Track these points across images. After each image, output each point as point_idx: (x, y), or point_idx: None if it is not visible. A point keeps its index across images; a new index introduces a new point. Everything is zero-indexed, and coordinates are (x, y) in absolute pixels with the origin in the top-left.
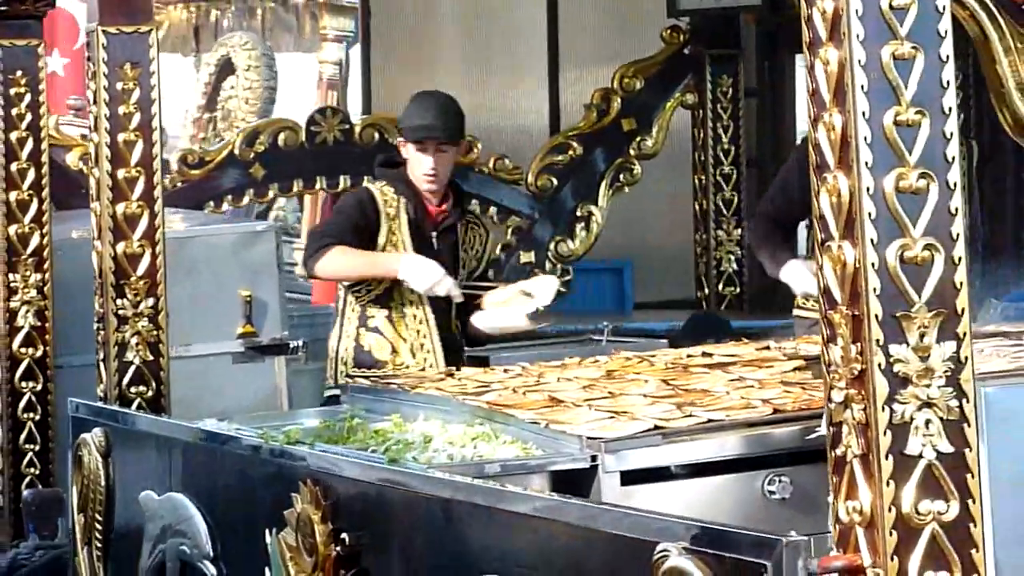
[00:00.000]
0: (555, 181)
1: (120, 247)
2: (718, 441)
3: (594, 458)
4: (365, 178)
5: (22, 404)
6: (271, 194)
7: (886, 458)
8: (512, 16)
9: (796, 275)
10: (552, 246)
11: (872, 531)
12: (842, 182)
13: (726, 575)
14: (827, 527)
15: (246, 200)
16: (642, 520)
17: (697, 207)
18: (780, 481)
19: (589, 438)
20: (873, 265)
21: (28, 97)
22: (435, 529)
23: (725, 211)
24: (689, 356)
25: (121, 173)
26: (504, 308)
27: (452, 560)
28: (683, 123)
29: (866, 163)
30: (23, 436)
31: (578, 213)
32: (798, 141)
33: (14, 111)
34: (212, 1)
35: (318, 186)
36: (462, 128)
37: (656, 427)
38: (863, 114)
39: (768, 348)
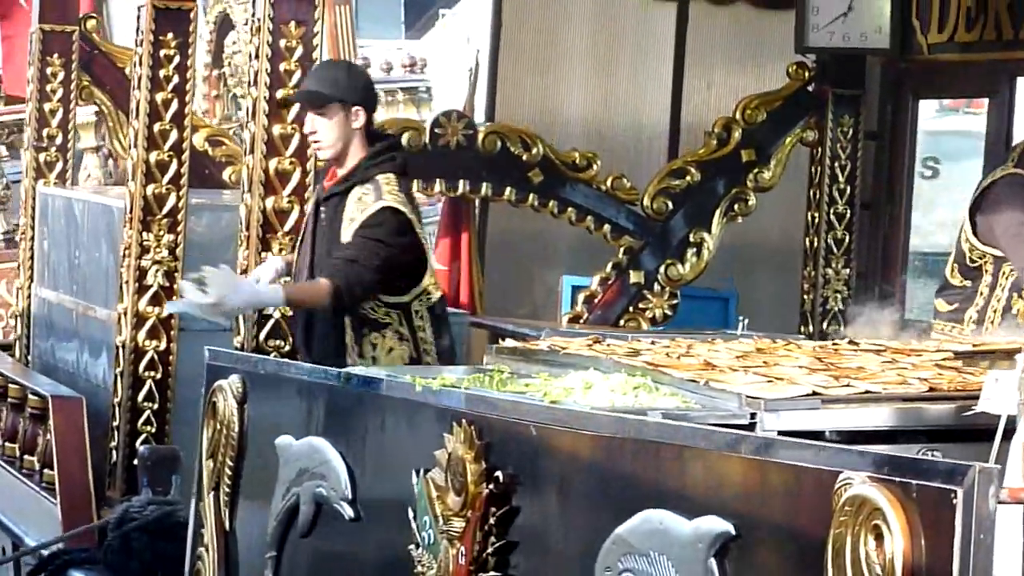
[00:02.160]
0: (670, 205)
1: (270, 202)
2: (874, 411)
3: (753, 416)
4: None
5: (144, 362)
6: None
7: None
8: (641, 30)
9: None
10: (662, 269)
11: None
12: None
13: (913, 502)
14: None
15: None
16: (824, 449)
17: (808, 243)
18: (933, 455)
19: (749, 397)
20: None
21: (177, 59)
22: (597, 466)
23: (835, 250)
24: (836, 343)
25: (277, 130)
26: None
27: (613, 497)
28: (801, 159)
29: None
30: (142, 394)
31: (690, 239)
32: (917, 182)
33: (162, 72)
34: None
35: (437, 188)
36: (342, 94)
37: (815, 392)
38: None
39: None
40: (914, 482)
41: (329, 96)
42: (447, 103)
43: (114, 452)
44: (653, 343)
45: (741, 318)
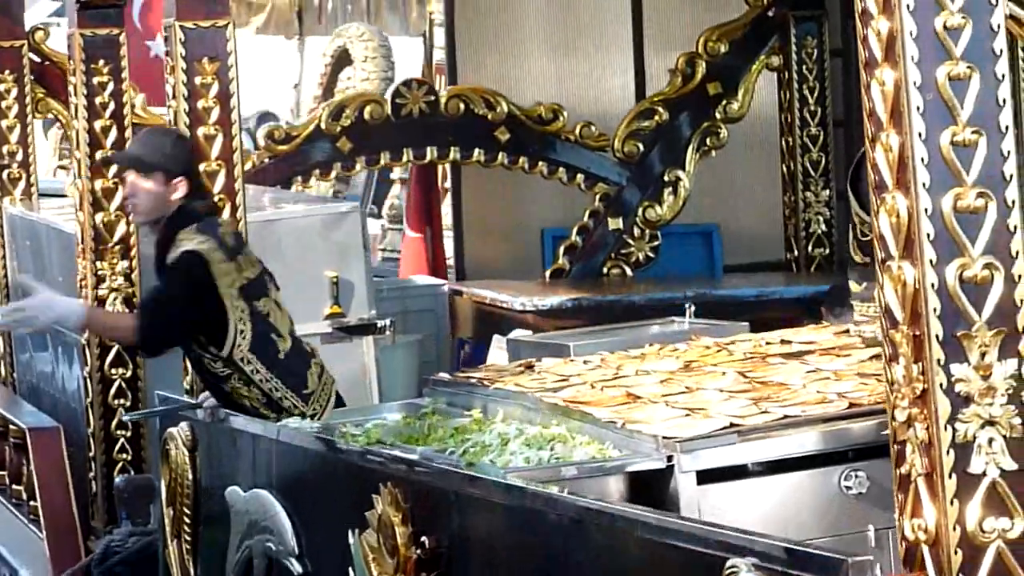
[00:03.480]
0: (641, 147)
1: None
2: (794, 438)
3: (670, 458)
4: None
5: (112, 391)
6: (358, 167)
7: (950, 477)
8: None
9: None
10: (640, 212)
11: (937, 549)
12: (900, 202)
13: None
14: None
15: (334, 174)
16: (712, 534)
17: (784, 169)
18: (856, 476)
19: (665, 437)
20: (933, 285)
21: (111, 85)
22: (510, 535)
23: (813, 172)
24: (768, 344)
25: (201, 167)
26: None
27: (532, 565)
28: (769, 85)
29: (924, 184)
30: (114, 423)
31: (665, 178)
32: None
33: (97, 100)
34: None
35: (405, 158)
36: (167, 163)
37: (732, 424)
38: (920, 135)
39: (847, 332)
40: (795, 573)
41: (152, 164)
42: None
43: (93, 482)
44: (585, 362)
45: (688, 306)
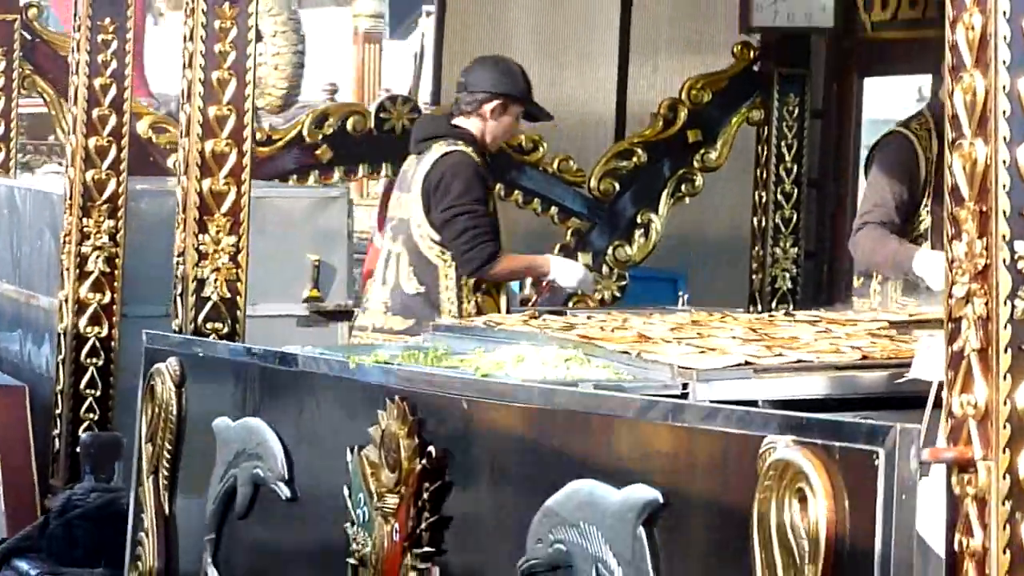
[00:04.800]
0: (617, 186)
1: (206, 184)
2: (807, 380)
3: (685, 386)
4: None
5: (86, 349)
6: (336, 176)
7: (1005, 351)
8: (586, 12)
9: (931, 263)
10: (610, 251)
11: (985, 424)
12: (978, 80)
13: (835, 465)
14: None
15: (311, 180)
16: (748, 415)
17: (755, 223)
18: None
19: (681, 367)
20: (1004, 162)
21: (115, 44)
22: (527, 439)
23: (783, 229)
24: (771, 316)
25: (212, 111)
26: None
27: (543, 469)
28: (748, 139)
29: (1004, 61)
30: (84, 381)
31: (638, 220)
32: (862, 159)
33: (100, 57)
34: None
35: (383, 172)
36: None
37: (747, 362)
38: (1004, 13)
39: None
40: (837, 444)
41: None
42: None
43: (57, 440)
44: (589, 317)
45: (681, 293)
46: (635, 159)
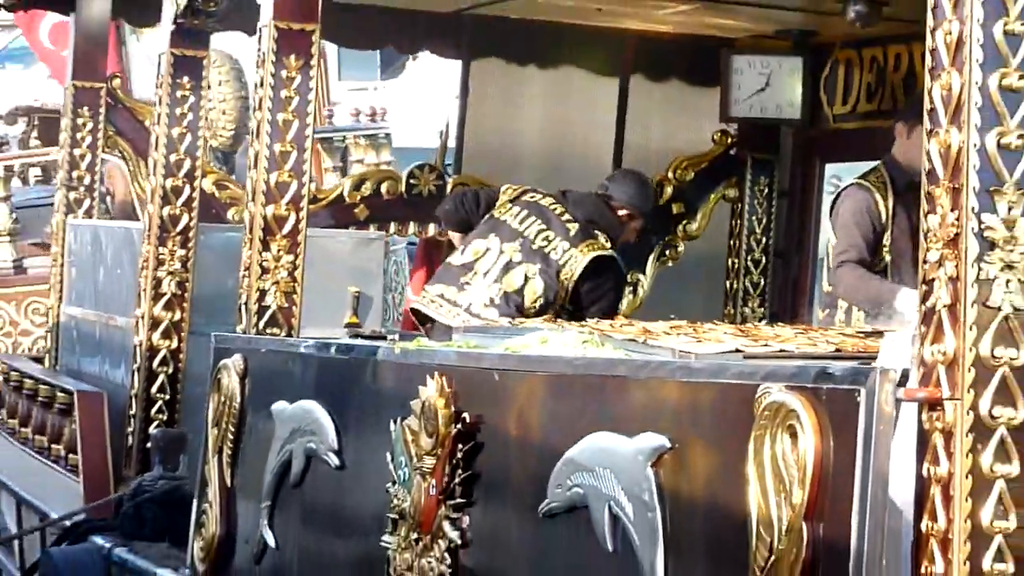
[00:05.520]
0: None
1: (270, 209)
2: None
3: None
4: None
5: (157, 359)
6: (371, 230)
7: (971, 306)
8: (588, 101)
9: (913, 300)
10: None
11: (953, 369)
12: (954, 78)
13: (822, 404)
14: None
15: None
16: (745, 367)
17: (728, 285)
18: None
19: (681, 351)
20: (975, 146)
21: (191, 99)
22: (549, 401)
23: (752, 291)
24: (756, 324)
25: (278, 147)
26: None
27: (563, 426)
28: (723, 213)
29: (978, 60)
30: (155, 387)
31: (628, 279)
32: (821, 235)
33: (177, 110)
34: None
35: (411, 229)
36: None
37: (738, 349)
38: (978, 20)
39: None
40: (824, 386)
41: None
42: (408, 138)
43: (130, 437)
44: (598, 322)
45: (672, 316)
46: None
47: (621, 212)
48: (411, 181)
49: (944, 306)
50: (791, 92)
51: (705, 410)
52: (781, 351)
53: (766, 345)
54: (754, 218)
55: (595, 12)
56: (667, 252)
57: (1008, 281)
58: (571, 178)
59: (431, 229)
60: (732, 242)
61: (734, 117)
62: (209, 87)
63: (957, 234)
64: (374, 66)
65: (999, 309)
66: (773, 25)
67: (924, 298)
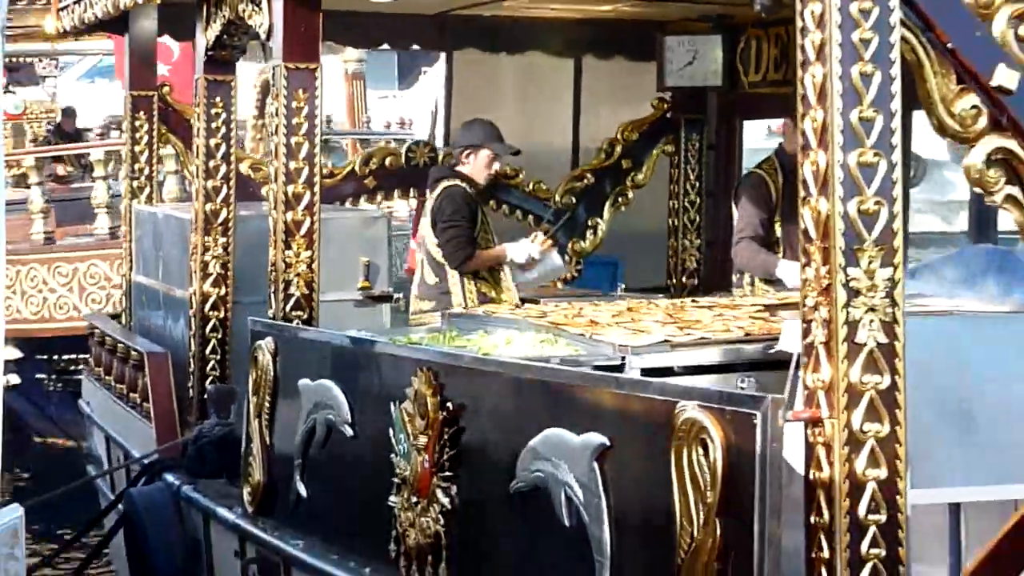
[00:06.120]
0: (574, 200)
1: (289, 215)
2: (706, 351)
3: (623, 359)
4: (452, 179)
5: (209, 326)
6: (379, 197)
7: (842, 344)
8: (550, 79)
9: (790, 271)
10: (570, 246)
11: (830, 394)
12: (821, 158)
13: (728, 422)
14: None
15: (361, 202)
16: (667, 386)
17: (670, 223)
18: (748, 380)
19: (620, 345)
20: (840, 213)
21: (223, 115)
22: (515, 399)
23: (690, 227)
24: (682, 302)
25: (292, 164)
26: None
27: (527, 420)
28: (664, 164)
29: (839, 144)
30: (208, 349)
31: (589, 223)
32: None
33: (214, 124)
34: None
35: (411, 194)
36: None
37: (665, 340)
38: (838, 110)
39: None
40: (728, 408)
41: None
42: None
43: (190, 390)
44: (556, 306)
45: (620, 284)
46: (586, 181)
47: (463, 155)
48: (409, 155)
49: (821, 343)
50: (714, 64)
51: (636, 417)
52: (701, 339)
53: (688, 333)
54: (688, 167)
55: (551, 9)
56: (619, 199)
57: (871, 321)
58: (539, 141)
59: (427, 193)
60: (672, 187)
61: (669, 86)
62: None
63: (829, 284)
64: (393, 78)
65: (865, 344)
66: (697, 12)
67: (805, 335)
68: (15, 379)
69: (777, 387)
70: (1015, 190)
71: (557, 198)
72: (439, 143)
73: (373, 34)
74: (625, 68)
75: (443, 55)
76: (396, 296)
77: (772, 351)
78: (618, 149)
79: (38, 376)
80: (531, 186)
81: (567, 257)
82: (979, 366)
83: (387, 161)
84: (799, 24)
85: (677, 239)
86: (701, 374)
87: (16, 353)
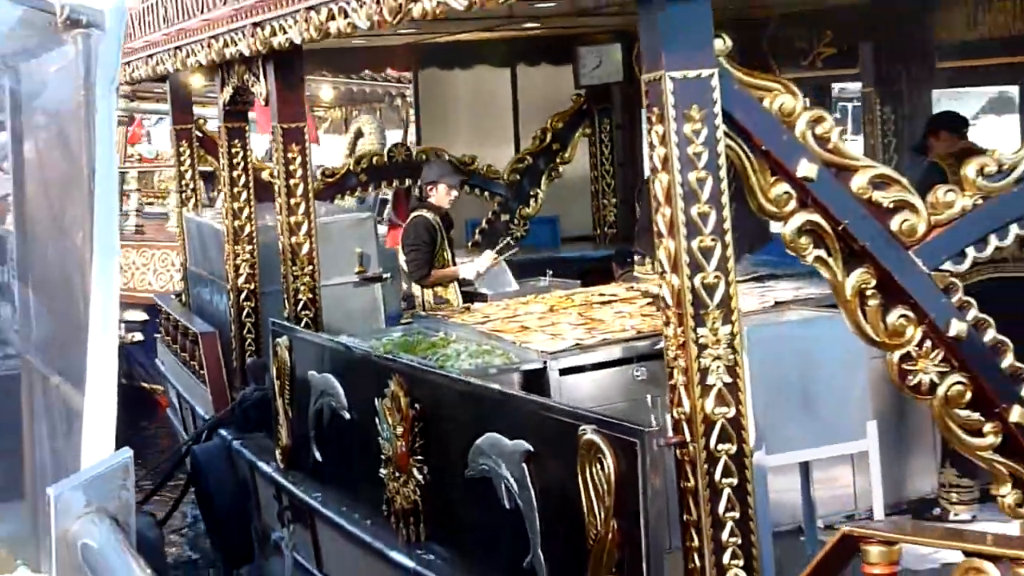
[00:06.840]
0: (519, 176)
1: (292, 239)
2: (609, 349)
3: (545, 362)
4: (420, 209)
5: (244, 312)
6: (370, 188)
7: (697, 385)
8: (491, 87)
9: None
10: (518, 211)
11: (691, 423)
12: (670, 243)
13: (616, 446)
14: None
15: (357, 193)
16: (573, 411)
17: (592, 188)
18: (641, 370)
19: (541, 351)
20: (688, 287)
21: (241, 153)
22: (466, 405)
23: (607, 189)
24: (591, 296)
25: (292, 200)
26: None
27: (475, 423)
28: (584, 144)
29: (684, 234)
30: (244, 330)
31: (531, 193)
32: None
33: (235, 160)
34: (353, 104)
35: (394, 183)
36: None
37: (576, 343)
38: (681, 208)
39: (632, 287)
40: (617, 434)
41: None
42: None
43: (235, 362)
44: (496, 306)
45: (548, 272)
46: (526, 161)
47: (427, 188)
48: (390, 155)
49: (682, 384)
50: (616, 66)
51: (551, 432)
52: (603, 339)
53: (593, 336)
54: (603, 145)
55: (493, 31)
56: (552, 174)
57: (718, 367)
58: (490, 138)
59: (407, 182)
60: (592, 161)
61: (584, 85)
62: (363, 136)
63: (684, 342)
64: None
65: (714, 384)
66: (603, 27)
67: (670, 377)
68: (139, 336)
69: (663, 374)
70: (822, 252)
71: (505, 176)
72: (411, 140)
73: (356, 63)
74: (550, 72)
75: (411, 74)
76: (385, 276)
77: (658, 347)
78: (549, 135)
79: (155, 335)
80: (485, 169)
81: (516, 220)
82: (812, 357)
83: (374, 160)
84: (647, 139)
85: (598, 199)
86: (607, 367)
87: (143, 316)
